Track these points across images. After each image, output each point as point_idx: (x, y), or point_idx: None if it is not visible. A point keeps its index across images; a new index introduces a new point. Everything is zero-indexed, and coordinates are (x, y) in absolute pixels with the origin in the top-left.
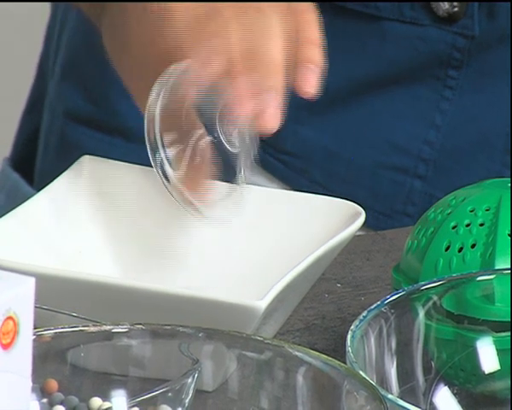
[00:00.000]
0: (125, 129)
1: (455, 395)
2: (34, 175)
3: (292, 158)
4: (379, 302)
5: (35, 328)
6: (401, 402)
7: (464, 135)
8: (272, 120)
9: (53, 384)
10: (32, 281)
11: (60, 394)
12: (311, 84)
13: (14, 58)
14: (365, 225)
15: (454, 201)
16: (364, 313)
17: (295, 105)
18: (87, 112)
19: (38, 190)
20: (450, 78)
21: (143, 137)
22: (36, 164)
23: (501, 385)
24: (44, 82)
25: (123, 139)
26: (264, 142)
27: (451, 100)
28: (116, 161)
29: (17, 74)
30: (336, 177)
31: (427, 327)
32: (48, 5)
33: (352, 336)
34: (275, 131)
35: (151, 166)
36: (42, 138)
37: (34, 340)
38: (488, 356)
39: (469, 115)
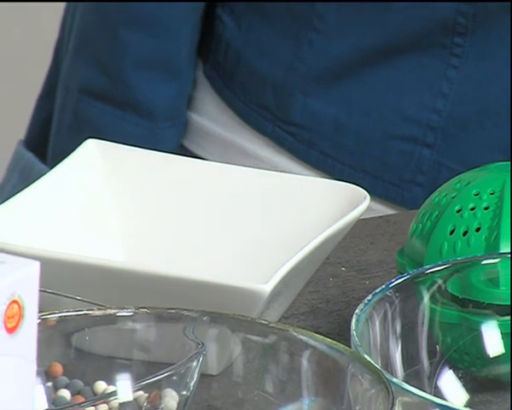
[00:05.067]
0: (136, 103)
1: (459, 378)
2: (47, 156)
3: (300, 130)
4: (383, 286)
5: (40, 312)
6: (406, 386)
7: (471, 102)
8: None
9: (58, 368)
10: (36, 265)
11: (64, 377)
12: None
13: (30, 44)
14: (375, 194)
15: (459, 184)
16: (369, 297)
17: (304, 77)
18: (100, 85)
19: (52, 167)
20: (455, 45)
21: (154, 112)
22: (49, 144)
23: (505, 369)
24: (60, 67)
25: (134, 114)
26: (272, 114)
27: (458, 68)
28: (120, 145)
29: (33, 60)
30: (345, 148)
31: (432, 311)
32: None
33: (357, 320)
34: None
35: (158, 148)
36: (55, 117)
37: (39, 324)
38: (493, 340)
39: (476, 83)
